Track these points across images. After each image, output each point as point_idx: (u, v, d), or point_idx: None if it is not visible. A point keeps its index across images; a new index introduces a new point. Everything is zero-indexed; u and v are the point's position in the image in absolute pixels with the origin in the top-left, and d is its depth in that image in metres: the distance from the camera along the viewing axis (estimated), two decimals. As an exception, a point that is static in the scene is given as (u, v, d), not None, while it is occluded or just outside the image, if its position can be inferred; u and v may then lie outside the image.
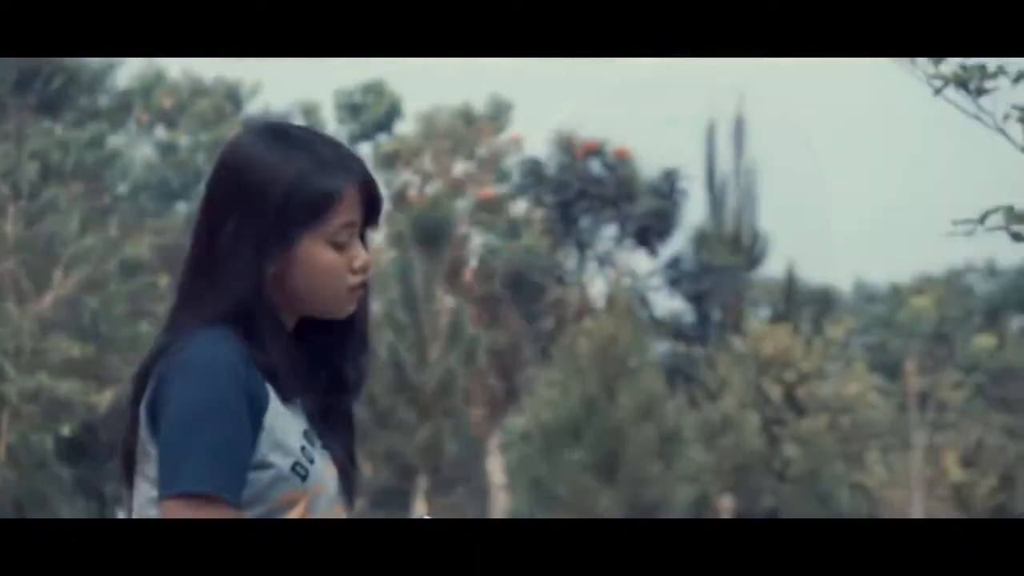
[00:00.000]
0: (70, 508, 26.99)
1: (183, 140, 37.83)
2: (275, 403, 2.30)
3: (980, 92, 5.75)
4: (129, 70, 38.55)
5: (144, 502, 2.30)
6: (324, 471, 2.32)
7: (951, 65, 5.65)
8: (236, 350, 2.27)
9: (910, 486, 30.03)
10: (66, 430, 26.44)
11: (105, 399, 26.63)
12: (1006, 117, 5.61)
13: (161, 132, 38.92)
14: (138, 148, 36.52)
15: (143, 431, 2.30)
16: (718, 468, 26.91)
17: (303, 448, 2.30)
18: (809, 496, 27.32)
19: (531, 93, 59.97)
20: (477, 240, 36.57)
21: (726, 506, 26.85)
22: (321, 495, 2.31)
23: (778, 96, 63.99)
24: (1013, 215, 5.82)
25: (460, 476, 32.12)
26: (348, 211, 2.33)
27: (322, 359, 2.40)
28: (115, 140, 32.02)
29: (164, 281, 29.79)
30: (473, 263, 35.90)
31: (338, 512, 2.35)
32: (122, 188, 33.31)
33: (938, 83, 5.77)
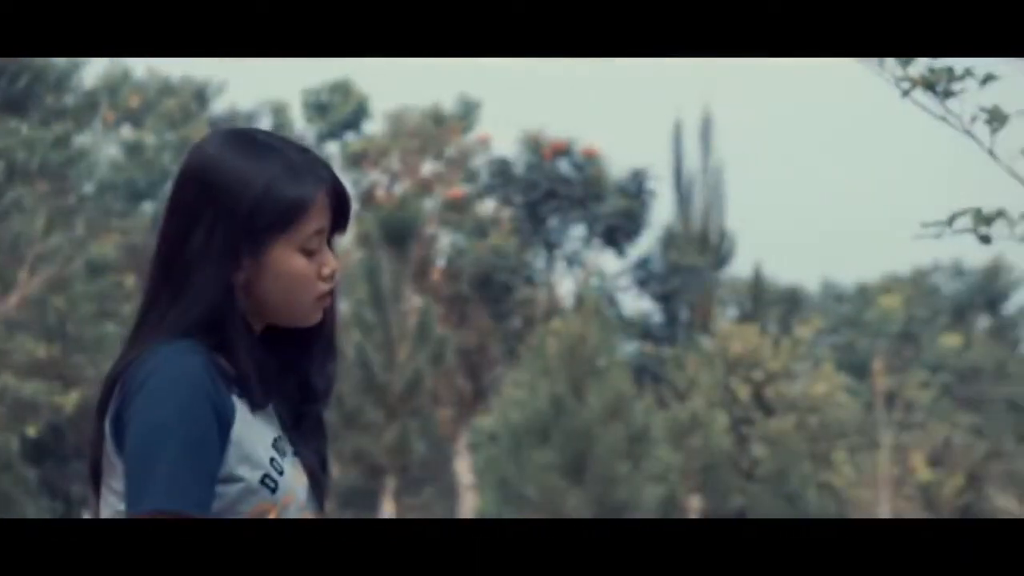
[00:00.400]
0: (36, 508, 26.83)
1: (149, 139, 37.66)
2: (243, 414, 2.28)
3: (948, 94, 5.77)
4: (95, 69, 38.45)
5: (111, 514, 2.29)
6: (294, 481, 2.31)
7: (919, 67, 5.65)
8: (202, 364, 2.24)
9: (878, 485, 30.11)
10: (32, 431, 26.28)
11: (71, 400, 26.49)
12: (973, 119, 5.62)
13: (127, 131, 38.74)
14: (104, 148, 36.33)
15: (108, 444, 2.27)
16: (686, 468, 26.94)
17: (272, 460, 2.28)
18: (777, 496, 27.37)
19: (498, 92, 59.89)
20: (445, 240, 36.53)
21: (694, 506, 26.88)
22: (291, 505, 2.30)
23: (745, 96, 64.14)
24: (981, 217, 5.84)
25: (428, 476, 32.08)
26: (318, 218, 2.31)
27: (290, 367, 2.38)
28: (81, 139, 31.85)
29: (130, 281, 29.65)
30: (441, 263, 35.85)
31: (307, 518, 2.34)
32: (88, 188, 33.14)
33: (906, 85, 5.79)
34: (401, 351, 29.70)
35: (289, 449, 2.32)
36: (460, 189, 36.86)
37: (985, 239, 5.89)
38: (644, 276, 37.50)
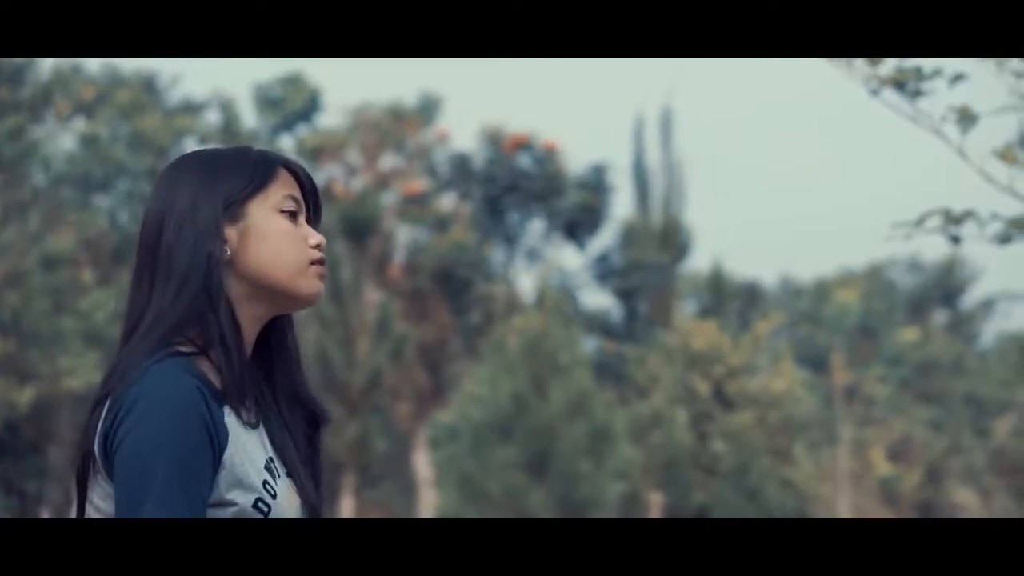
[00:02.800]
0: (-9, 507, 26.60)
1: (103, 132, 37.38)
2: (236, 435, 2.23)
3: (917, 94, 5.68)
4: (48, 61, 38.05)
5: None
6: (287, 504, 2.27)
7: (888, 67, 5.57)
8: (194, 384, 2.18)
9: (837, 480, 30.21)
10: (-14, 427, 26.01)
11: (26, 396, 26.23)
12: (943, 119, 5.53)
13: (81, 124, 38.44)
14: (59, 140, 36.05)
15: (97, 463, 2.23)
16: (648, 464, 26.95)
17: (265, 483, 2.24)
18: (738, 491, 27.41)
19: (457, 87, 59.86)
20: (404, 235, 36.43)
21: (656, 502, 26.89)
22: None
23: (706, 91, 64.29)
24: (951, 218, 5.76)
25: (387, 472, 32.01)
26: (286, 185, 2.32)
27: (288, 393, 2.36)
28: (35, 132, 31.56)
29: (87, 275, 29.40)
30: (400, 258, 35.76)
31: None
32: (42, 180, 32.85)
33: (874, 84, 5.68)
34: (360, 347, 29.59)
35: (282, 470, 2.29)
36: (419, 184, 36.76)
37: (955, 239, 5.82)
38: (604, 271, 37.52)
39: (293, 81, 40.84)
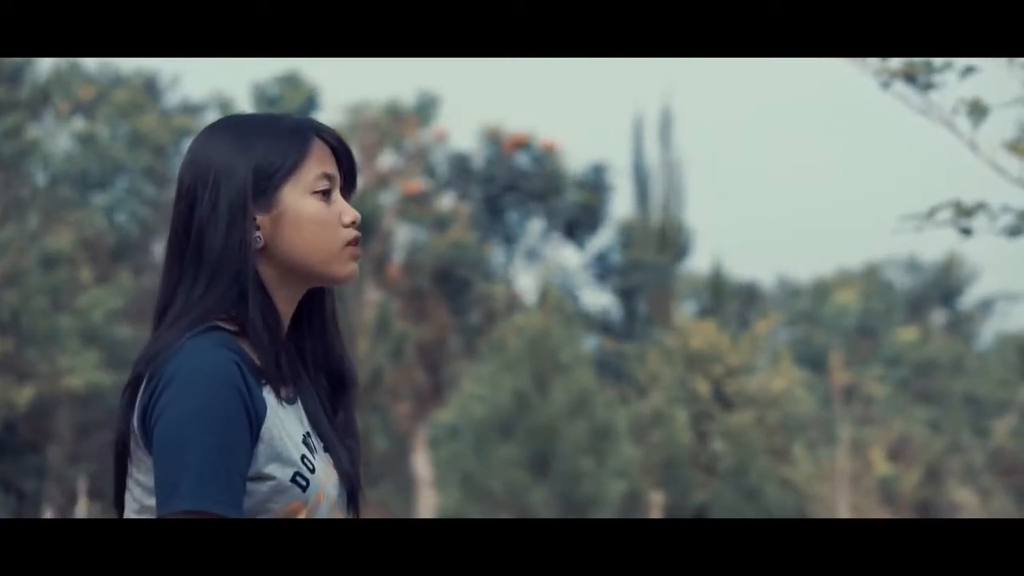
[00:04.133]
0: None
1: (102, 131, 37.35)
2: (274, 410, 2.21)
3: (928, 86, 5.65)
4: (47, 60, 38.03)
5: (138, 508, 2.23)
6: (325, 478, 2.25)
7: (899, 60, 5.53)
8: (232, 358, 2.17)
9: (836, 480, 30.19)
10: (-16, 426, 25.98)
11: (25, 394, 26.20)
12: (954, 111, 5.50)
13: (80, 123, 38.42)
14: (58, 139, 36.02)
15: (136, 439, 2.21)
16: (648, 463, 26.94)
17: (303, 457, 2.22)
18: (737, 491, 27.40)
19: (456, 86, 59.82)
20: (403, 234, 36.42)
21: (657, 501, 26.88)
22: (322, 503, 2.25)
23: (706, 91, 64.27)
24: (961, 210, 5.72)
25: (386, 472, 31.99)
26: (320, 162, 2.28)
27: (316, 360, 2.34)
28: (34, 130, 31.53)
29: (85, 274, 29.37)
30: (399, 258, 35.74)
31: (338, 518, 2.29)
32: (41, 179, 32.83)
33: (885, 77, 5.65)
34: (360, 346, 29.58)
35: (319, 445, 2.27)
36: (418, 183, 36.75)
37: (966, 232, 5.78)
38: (603, 270, 37.51)
39: (291, 80, 40.85)
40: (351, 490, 2.31)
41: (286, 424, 2.23)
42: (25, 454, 27.95)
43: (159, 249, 34.85)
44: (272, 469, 2.18)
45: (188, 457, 2.12)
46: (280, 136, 2.27)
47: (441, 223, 36.11)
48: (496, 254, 36.97)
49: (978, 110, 5.56)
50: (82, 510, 22.39)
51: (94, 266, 30.54)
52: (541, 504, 24.08)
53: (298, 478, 2.20)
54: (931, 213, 5.73)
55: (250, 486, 2.17)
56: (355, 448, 2.36)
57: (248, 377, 2.17)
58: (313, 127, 2.30)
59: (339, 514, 2.29)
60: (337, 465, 2.29)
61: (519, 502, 24.01)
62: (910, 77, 5.67)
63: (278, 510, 2.20)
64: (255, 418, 2.17)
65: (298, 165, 2.26)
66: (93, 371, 27.26)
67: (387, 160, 37.51)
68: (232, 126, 2.28)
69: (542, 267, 35.68)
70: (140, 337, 27.49)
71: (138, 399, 2.20)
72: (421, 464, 31.90)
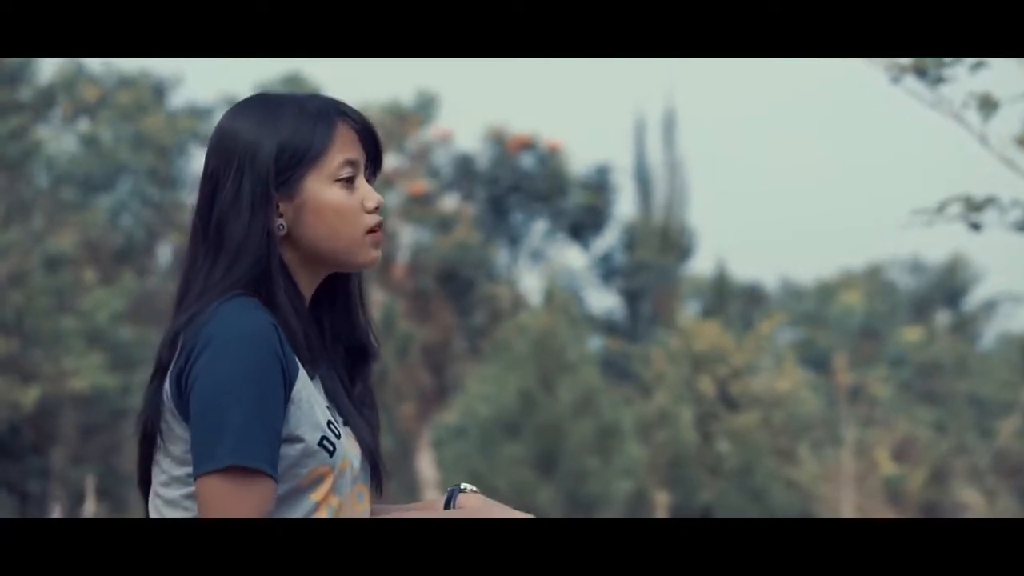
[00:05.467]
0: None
1: (106, 133, 37.36)
2: (303, 374, 2.22)
3: (938, 80, 5.63)
4: (51, 61, 38.06)
5: (166, 480, 2.22)
6: (349, 447, 2.26)
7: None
8: (268, 320, 2.18)
9: (842, 481, 30.18)
10: (-12, 427, 25.99)
11: (29, 395, 26.21)
12: (964, 105, 5.49)
13: (84, 124, 38.44)
14: (62, 140, 36.03)
15: (169, 406, 2.20)
16: (654, 463, 26.95)
17: (329, 423, 2.23)
18: (743, 491, 27.39)
19: (459, 87, 59.82)
20: (408, 235, 36.42)
21: (662, 501, 26.88)
22: (347, 472, 2.26)
23: (709, 91, 64.27)
24: (971, 204, 5.69)
25: (391, 473, 32.01)
26: (345, 148, 2.27)
27: (334, 332, 2.34)
28: (38, 132, 31.52)
29: (89, 275, 29.38)
30: (404, 258, 35.75)
31: (360, 490, 2.30)
32: (45, 181, 32.84)
33: (895, 72, 5.64)
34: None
35: (340, 419, 2.28)
36: (423, 184, 36.75)
37: (975, 226, 5.76)
38: (607, 271, 37.51)
39: (293, 81, 40.85)
40: (373, 464, 2.31)
41: (312, 389, 2.24)
42: (29, 455, 27.96)
43: (164, 251, 34.87)
44: (302, 431, 2.19)
45: (229, 416, 2.12)
46: (305, 121, 2.25)
47: (445, 224, 36.12)
48: (500, 255, 36.99)
49: (988, 104, 5.55)
50: (90, 510, 22.40)
51: (98, 268, 30.54)
52: (547, 503, 24.09)
53: (325, 442, 2.21)
54: (941, 208, 5.71)
55: (281, 449, 2.17)
56: (374, 419, 2.35)
57: (283, 339, 2.18)
58: (338, 110, 2.29)
59: (362, 486, 2.31)
60: (359, 439, 2.29)
61: (525, 501, 24.01)
62: (920, 72, 5.66)
63: (305, 474, 2.20)
64: (289, 378, 2.18)
65: (322, 153, 2.25)
66: (97, 373, 27.27)
67: (390, 161, 37.54)
68: (258, 107, 2.27)
69: (546, 268, 35.69)
70: (145, 338, 27.50)
71: (170, 368, 2.19)
72: (426, 464, 31.89)
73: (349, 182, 2.28)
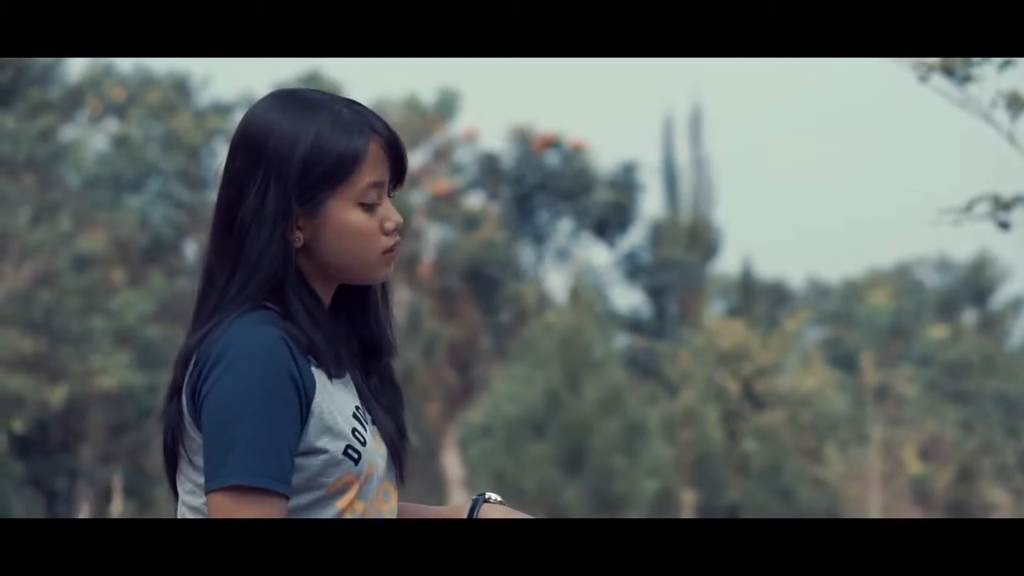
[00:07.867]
0: (23, 502, 26.70)
1: (135, 132, 37.48)
2: (323, 384, 2.22)
3: (966, 79, 5.61)
4: (80, 61, 38.20)
5: (191, 488, 2.24)
6: (375, 450, 2.27)
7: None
8: (279, 335, 2.18)
9: (869, 480, 30.10)
10: (18, 426, 26.10)
11: (57, 394, 26.33)
12: (993, 104, 5.47)
13: (112, 124, 38.56)
14: (90, 140, 36.15)
15: (187, 419, 2.21)
16: (680, 462, 26.92)
17: (354, 430, 2.23)
18: (770, 490, 27.35)
19: (484, 85, 59.81)
20: (433, 234, 36.43)
21: (689, 500, 26.85)
22: (373, 476, 2.26)
23: (735, 89, 64.12)
24: (999, 203, 5.67)
25: (417, 472, 32.04)
26: (374, 171, 2.26)
27: (352, 329, 2.34)
28: (66, 132, 31.64)
29: (117, 275, 29.48)
30: (430, 257, 35.76)
31: (387, 488, 2.31)
32: (74, 181, 32.96)
33: (923, 71, 5.62)
34: (391, 345, 29.58)
35: (368, 418, 2.28)
36: (448, 183, 36.76)
37: (1004, 225, 5.74)
38: (633, 269, 37.46)
39: (312, 79, 40.91)
40: (398, 463, 2.32)
41: (335, 398, 2.24)
42: (57, 454, 28.09)
43: (192, 251, 34.95)
44: (324, 443, 2.19)
45: (237, 432, 2.13)
46: (338, 136, 2.24)
47: (471, 222, 36.11)
48: (526, 253, 36.96)
49: (1017, 103, 5.53)
50: (117, 509, 22.45)
51: (127, 268, 30.64)
52: (574, 501, 24.06)
53: (350, 451, 2.21)
54: (969, 206, 5.68)
55: (302, 461, 2.18)
56: (398, 406, 2.35)
57: (296, 353, 2.18)
58: (369, 126, 2.26)
59: (388, 484, 2.31)
60: (384, 435, 2.30)
61: (551, 500, 24.00)
62: (948, 70, 5.64)
63: (330, 484, 2.21)
64: (304, 394, 2.18)
65: (350, 174, 2.24)
66: (125, 372, 27.38)
67: (415, 159, 37.55)
68: (291, 108, 2.25)
69: (572, 266, 35.65)
70: (172, 338, 27.57)
71: (186, 380, 2.20)
72: (452, 463, 31.90)
73: (372, 207, 2.26)
